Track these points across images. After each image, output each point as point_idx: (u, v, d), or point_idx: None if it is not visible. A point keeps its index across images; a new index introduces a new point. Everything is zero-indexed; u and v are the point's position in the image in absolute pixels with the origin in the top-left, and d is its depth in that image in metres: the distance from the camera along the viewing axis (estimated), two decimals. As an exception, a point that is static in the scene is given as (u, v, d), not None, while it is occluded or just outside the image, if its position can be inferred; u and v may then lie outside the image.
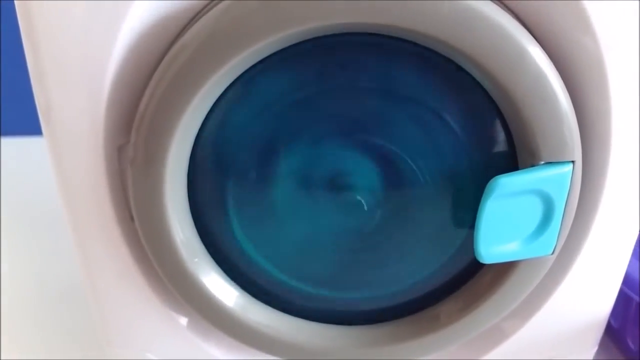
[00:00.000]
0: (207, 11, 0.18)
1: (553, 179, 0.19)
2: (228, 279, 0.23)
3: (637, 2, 0.18)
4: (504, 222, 0.20)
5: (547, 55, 0.18)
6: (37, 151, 0.44)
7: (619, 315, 0.32)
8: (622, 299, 0.30)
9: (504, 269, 0.21)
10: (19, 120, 0.53)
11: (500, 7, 0.19)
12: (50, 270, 0.39)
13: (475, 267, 0.22)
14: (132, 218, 0.21)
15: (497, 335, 0.25)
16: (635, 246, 0.28)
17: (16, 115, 0.54)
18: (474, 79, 0.19)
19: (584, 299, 0.24)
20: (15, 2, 0.19)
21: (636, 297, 0.29)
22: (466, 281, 0.23)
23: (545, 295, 0.24)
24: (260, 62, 0.19)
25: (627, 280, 0.29)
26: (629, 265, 0.28)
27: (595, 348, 0.27)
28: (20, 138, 0.56)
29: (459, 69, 0.19)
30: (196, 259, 0.22)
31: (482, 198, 0.19)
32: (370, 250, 0.22)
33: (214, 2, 0.19)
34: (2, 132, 0.57)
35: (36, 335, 0.34)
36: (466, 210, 0.21)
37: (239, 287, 0.23)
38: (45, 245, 0.42)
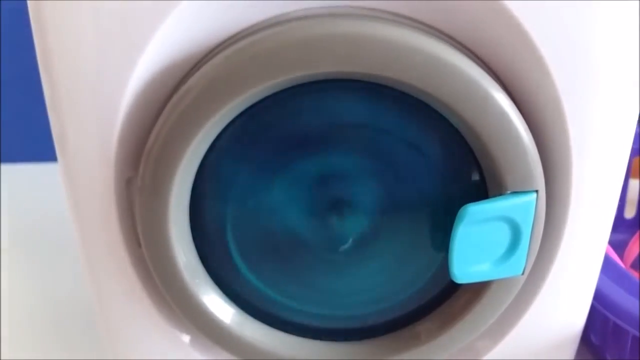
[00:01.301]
0: (207, 61, 0.21)
1: (519, 206, 0.21)
2: (226, 297, 0.24)
3: (589, 45, 0.21)
4: (476, 245, 0.22)
5: (509, 98, 0.21)
6: (38, 178, 0.45)
7: (599, 332, 0.34)
8: (601, 317, 0.32)
9: (479, 289, 0.23)
10: (21, 147, 0.54)
11: (468, 54, 0.21)
12: (53, 297, 0.40)
13: (453, 288, 0.24)
14: (139, 244, 0.23)
15: (472, 355, 0.26)
16: (610, 266, 0.30)
17: (18, 142, 0.55)
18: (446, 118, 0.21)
19: (556, 316, 0.26)
20: (36, 49, 0.21)
21: (612, 317, 0.30)
22: (445, 301, 0.25)
23: (519, 313, 0.25)
24: (256, 103, 0.21)
25: (604, 300, 0.30)
26: (606, 285, 0.30)
27: (570, 364, 0.28)
28: (22, 165, 0.57)
29: (433, 109, 0.21)
30: (197, 280, 0.24)
31: (454, 224, 0.21)
32: (358, 274, 0.24)
33: (212, 53, 0.21)
34: (2, 158, 0.58)
35: (36, 356, 0.35)
36: (444, 235, 0.23)
37: (235, 306, 0.25)
38: (46, 271, 0.42)
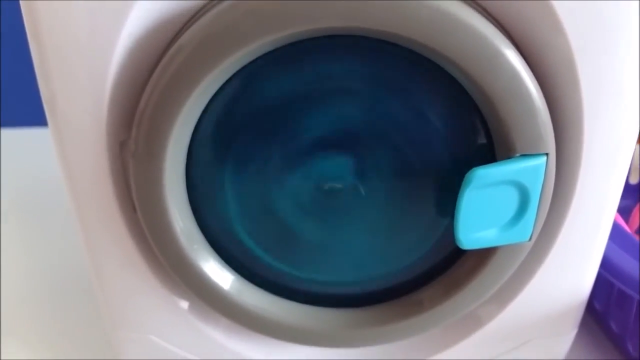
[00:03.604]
0: (200, 16, 0.20)
1: (528, 170, 0.21)
2: (225, 264, 0.24)
3: (604, 3, 0.19)
4: (482, 210, 0.21)
5: (521, 56, 0.19)
6: (37, 142, 0.44)
7: (603, 299, 0.33)
8: (605, 284, 0.32)
9: (484, 255, 0.23)
10: (19, 112, 0.54)
11: (478, 10, 0.20)
12: (50, 262, 0.40)
13: (457, 254, 0.24)
14: (134, 209, 0.23)
15: (478, 320, 0.26)
16: (615, 231, 0.30)
17: (17, 107, 0.55)
18: (454, 78, 0.20)
19: (562, 283, 0.25)
20: (22, 9, 0.20)
21: (616, 283, 0.30)
22: (449, 268, 0.24)
23: (524, 280, 0.25)
24: (254, 61, 0.20)
25: (609, 266, 0.30)
26: (611, 251, 0.30)
27: (575, 330, 0.28)
28: (21, 129, 0.56)
29: (440, 68, 0.20)
30: (195, 246, 0.23)
31: (461, 188, 0.20)
32: (359, 238, 0.24)
33: (205, 8, 0.20)
34: (2, 123, 0.57)
35: (36, 327, 0.34)
36: (449, 199, 0.22)
37: (234, 272, 0.24)
38: (46, 236, 0.42)
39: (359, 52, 0.20)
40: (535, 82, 0.20)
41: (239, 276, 0.24)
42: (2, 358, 0.32)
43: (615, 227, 0.31)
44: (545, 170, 0.21)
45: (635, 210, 0.40)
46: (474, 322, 0.26)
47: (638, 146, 0.46)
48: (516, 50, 0.19)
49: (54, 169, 0.23)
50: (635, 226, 0.40)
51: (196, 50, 0.19)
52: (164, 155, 0.21)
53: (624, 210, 0.39)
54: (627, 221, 0.39)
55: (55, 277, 0.38)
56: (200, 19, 0.20)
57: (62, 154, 0.22)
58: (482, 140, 0.21)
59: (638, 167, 0.45)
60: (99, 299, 0.26)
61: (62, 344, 0.33)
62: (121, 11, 0.19)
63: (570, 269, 0.25)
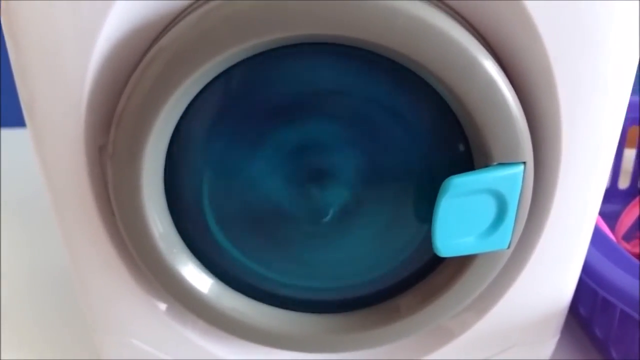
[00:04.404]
0: (179, 21, 0.19)
1: (505, 178, 0.21)
2: (204, 268, 0.24)
3: (581, 9, 0.19)
4: (460, 218, 0.21)
5: (497, 64, 0.19)
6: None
7: (587, 304, 0.33)
8: (590, 290, 0.32)
9: (463, 263, 0.23)
10: (19, 112, 0.54)
11: (454, 16, 0.20)
12: (50, 262, 0.40)
13: (436, 262, 0.24)
14: (113, 213, 0.23)
15: (455, 328, 0.26)
16: (598, 238, 0.30)
17: (17, 107, 0.54)
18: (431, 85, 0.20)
19: (543, 290, 0.25)
20: (1, 18, 0.20)
21: (600, 291, 0.30)
22: (427, 275, 0.24)
23: (504, 287, 0.25)
24: (232, 67, 0.20)
25: (592, 274, 0.30)
26: (594, 258, 0.30)
27: (557, 337, 0.28)
28: (21, 129, 0.56)
29: (419, 77, 0.20)
30: (174, 250, 0.23)
31: (437, 197, 0.20)
32: (338, 244, 0.24)
33: (182, 15, 0.20)
34: (2, 123, 0.57)
35: (37, 326, 0.35)
36: (428, 207, 0.22)
37: (213, 276, 0.24)
38: (45, 237, 0.42)
39: (338, 60, 0.20)
40: (512, 90, 0.20)
41: (218, 280, 0.24)
42: (2, 358, 0.32)
43: (600, 235, 0.31)
44: (523, 178, 0.21)
45: (623, 216, 0.40)
46: (451, 330, 0.26)
47: (629, 151, 0.46)
48: (492, 59, 0.19)
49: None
50: (623, 232, 0.40)
51: (175, 54, 0.19)
52: (142, 156, 0.21)
53: (613, 216, 0.39)
54: (614, 227, 0.39)
55: (55, 276, 0.38)
56: (179, 23, 0.20)
57: (41, 158, 0.22)
58: (460, 148, 0.21)
59: (630, 171, 0.45)
60: (81, 302, 0.26)
61: (63, 343, 0.33)
62: (98, 16, 0.19)
63: (551, 276, 0.25)
